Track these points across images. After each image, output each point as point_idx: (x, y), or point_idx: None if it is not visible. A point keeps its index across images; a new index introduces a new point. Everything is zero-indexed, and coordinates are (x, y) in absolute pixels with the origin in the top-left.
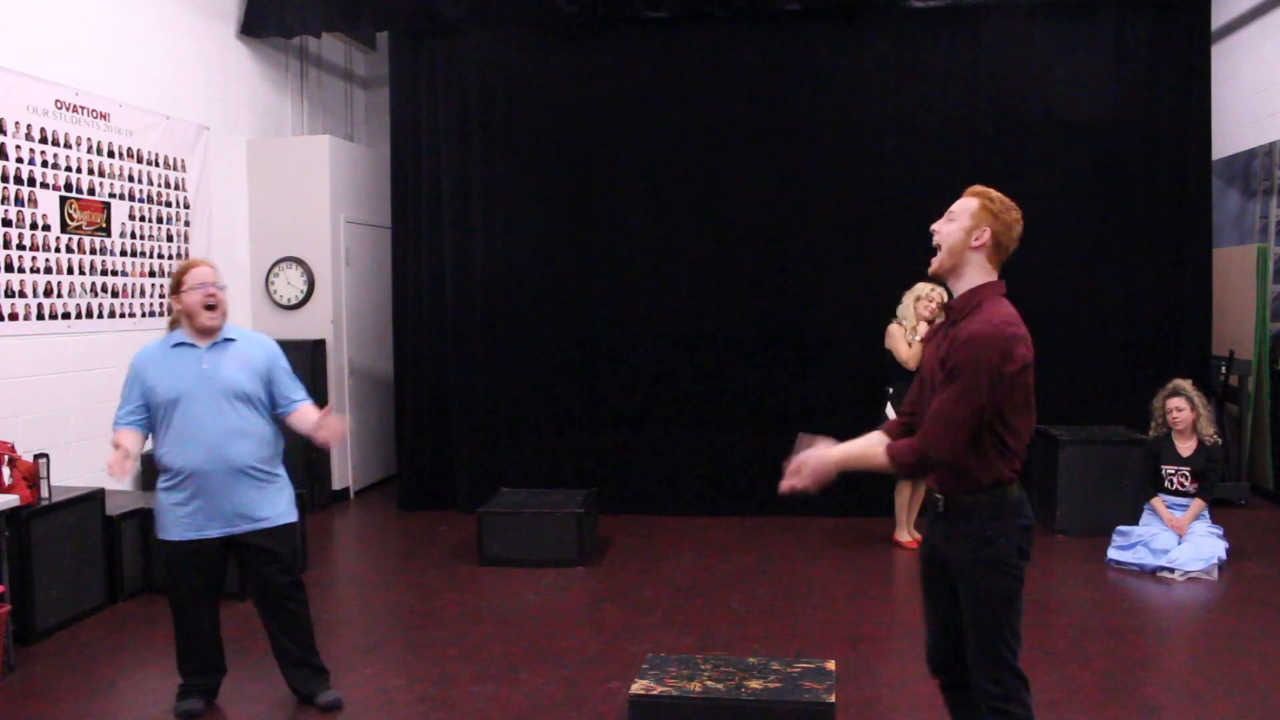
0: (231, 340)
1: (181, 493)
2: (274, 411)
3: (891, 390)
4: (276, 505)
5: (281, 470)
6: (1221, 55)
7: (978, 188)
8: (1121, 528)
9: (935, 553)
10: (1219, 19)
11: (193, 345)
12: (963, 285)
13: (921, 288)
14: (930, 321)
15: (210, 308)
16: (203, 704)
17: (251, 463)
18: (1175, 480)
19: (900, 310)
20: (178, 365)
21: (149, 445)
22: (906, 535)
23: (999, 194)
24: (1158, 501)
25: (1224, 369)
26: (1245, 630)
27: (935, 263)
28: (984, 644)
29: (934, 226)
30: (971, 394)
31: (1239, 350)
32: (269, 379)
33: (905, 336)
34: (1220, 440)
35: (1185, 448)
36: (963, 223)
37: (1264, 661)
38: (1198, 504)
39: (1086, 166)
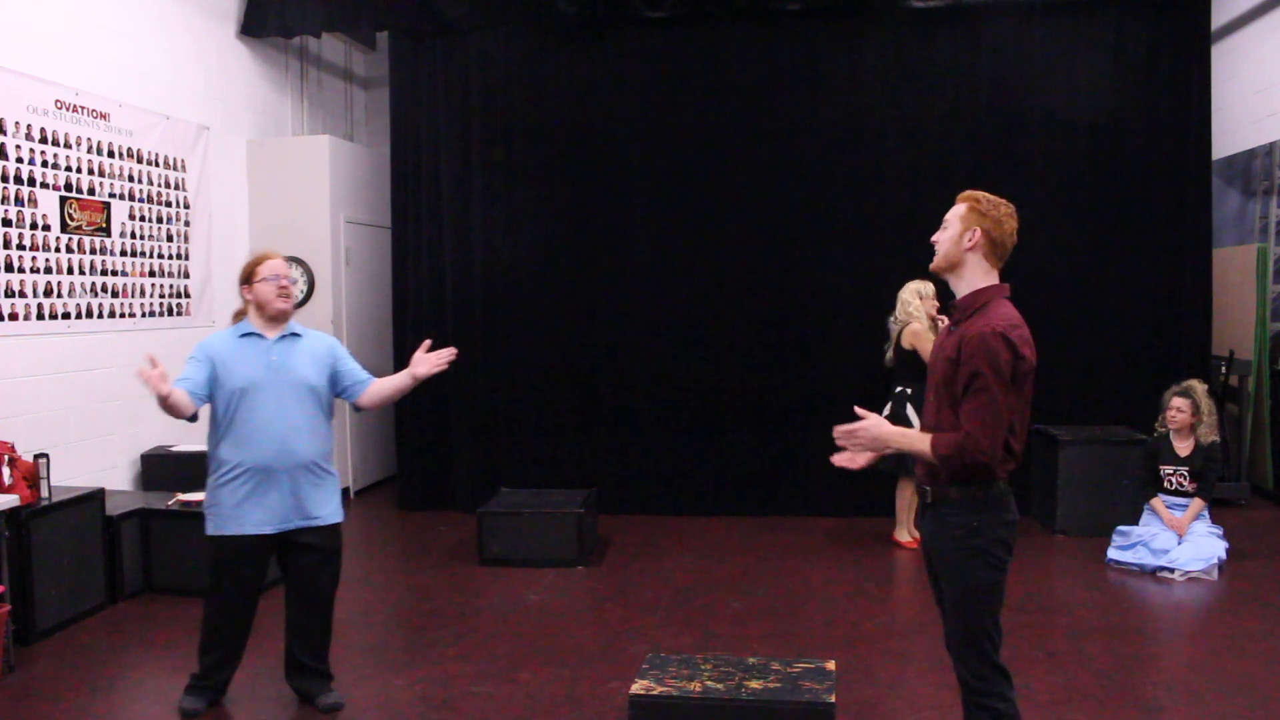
0: (298, 335)
1: (242, 487)
2: (342, 396)
3: (909, 390)
4: (330, 503)
5: (334, 468)
6: (1221, 55)
7: (966, 192)
8: (1121, 528)
9: (926, 544)
10: (1219, 19)
11: (261, 336)
12: (964, 286)
13: (923, 286)
14: (933, 318)
15: (282, 296)
16: (204, 703)
17: (314, 458)
18: (1174, 480)
19: (912, 310)
20: (247, 354)
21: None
22: (906, 535)
23: (986, 194)
24: (1157, 501)
25: (1224, 369)
26: (1245, 630)
27: (934, 264)
28: (967, 636)
29: (933, 238)
30: (1000, 392)
31: (1239, 350)
32: (333, 369)
33: (928, 335)
34: (1218, 440)
35: (1183, 448)
36: (954, 228)
37: (1264, 661)
38: (1197, 504)
39: (1086, 167)
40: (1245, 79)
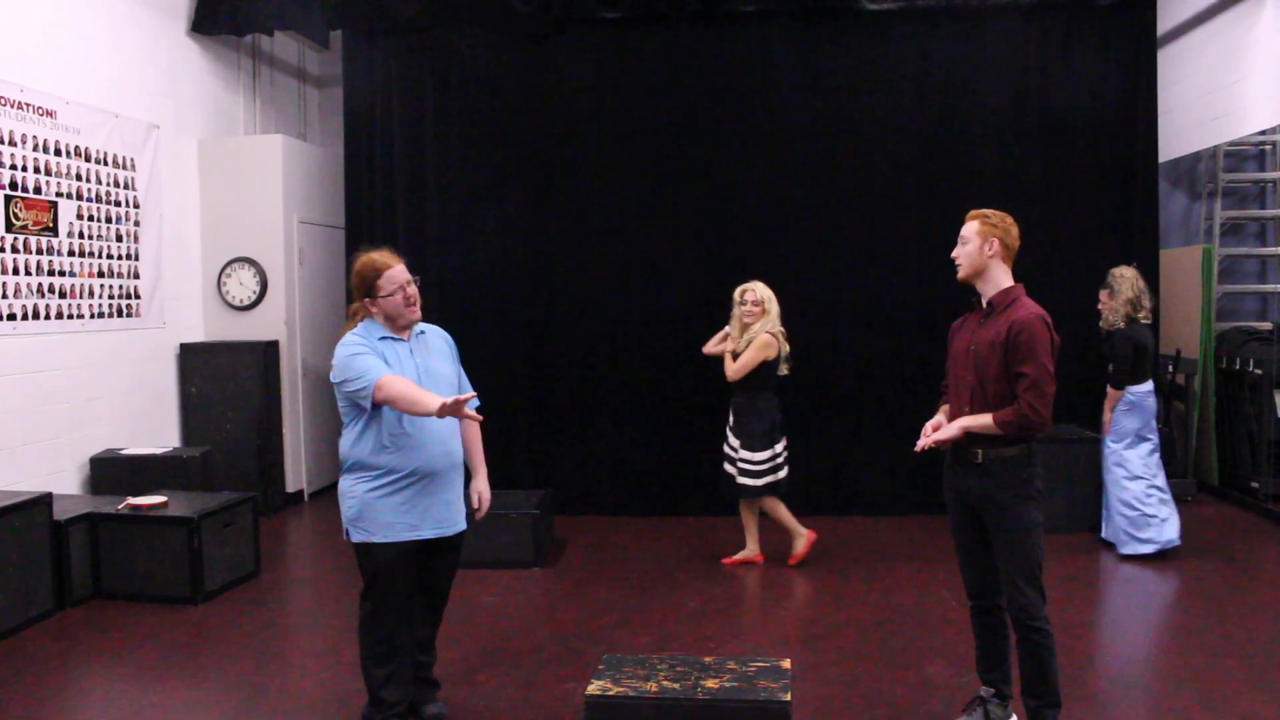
0: (422, 333)
1: (403, 494)
2: None
3: (742, 401)
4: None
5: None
6: (1168, 60)
7: (974, 211)
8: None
9: (969, 500)
10: (1165, 24)
11: (398, 339)
12: (991, 286)
13: (746, 292)
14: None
15: (411, 304)
16: None
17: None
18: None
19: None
20: (394, 358)
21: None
22: (756, 548)
23: (992, 210)
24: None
25: (1170, 368)
26: (1192, 625)
27: (960, 273)
28: (1024, 567)
29: (953, 254)
30: (1047, 365)
31: (1185, 349)
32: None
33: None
34: (1116, 326)
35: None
36: (974, 243)
37: (1210, 655)
38: (1110, 395)
39: (1036, 168)
40: (1191, 83)
